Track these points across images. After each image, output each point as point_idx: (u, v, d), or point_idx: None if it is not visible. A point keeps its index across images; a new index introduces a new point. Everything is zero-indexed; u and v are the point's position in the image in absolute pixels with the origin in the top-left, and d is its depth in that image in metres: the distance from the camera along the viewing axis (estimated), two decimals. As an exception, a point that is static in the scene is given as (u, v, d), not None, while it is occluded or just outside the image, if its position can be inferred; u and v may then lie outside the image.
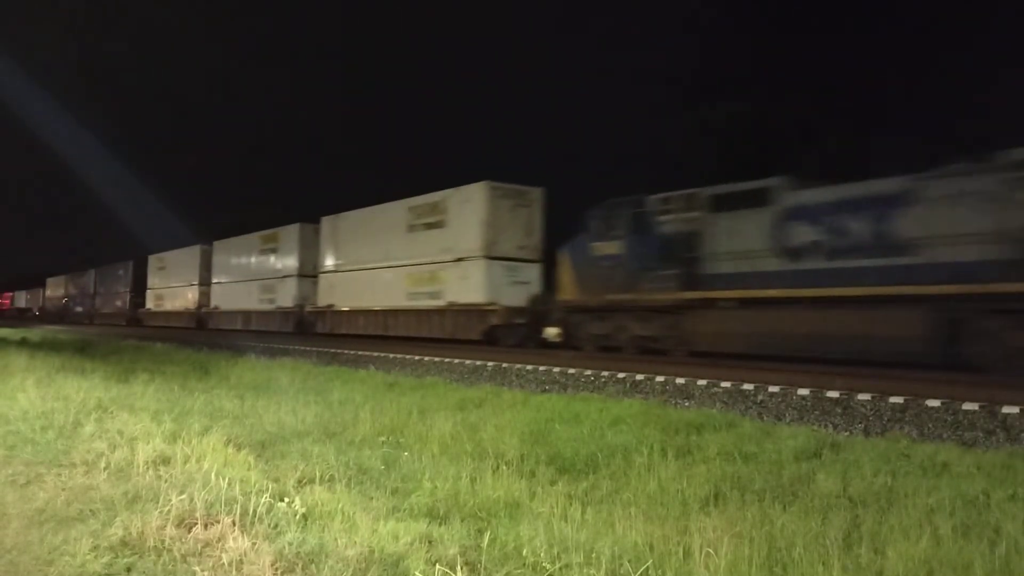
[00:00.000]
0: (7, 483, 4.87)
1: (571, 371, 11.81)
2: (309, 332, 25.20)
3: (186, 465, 5.09)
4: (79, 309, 55.19)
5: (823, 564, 3.49)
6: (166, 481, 4.62)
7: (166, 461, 5.23)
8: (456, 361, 14.12)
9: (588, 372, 11.55)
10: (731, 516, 4.32)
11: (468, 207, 18.69)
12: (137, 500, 4.27)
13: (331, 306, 24.29)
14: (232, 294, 32.09)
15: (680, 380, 10.18)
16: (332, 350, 18.14)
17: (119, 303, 46.67)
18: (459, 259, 18.71)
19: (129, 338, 27.85)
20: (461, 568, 3.32)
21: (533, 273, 18.56)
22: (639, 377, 10.71)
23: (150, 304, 42.22)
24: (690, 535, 3.87)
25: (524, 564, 3.42)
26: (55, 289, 63.40)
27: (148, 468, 5.03)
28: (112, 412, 7.38)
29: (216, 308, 33.26)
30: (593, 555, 3.43)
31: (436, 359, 14.69)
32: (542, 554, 3.46)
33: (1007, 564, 3.55)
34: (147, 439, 5.81)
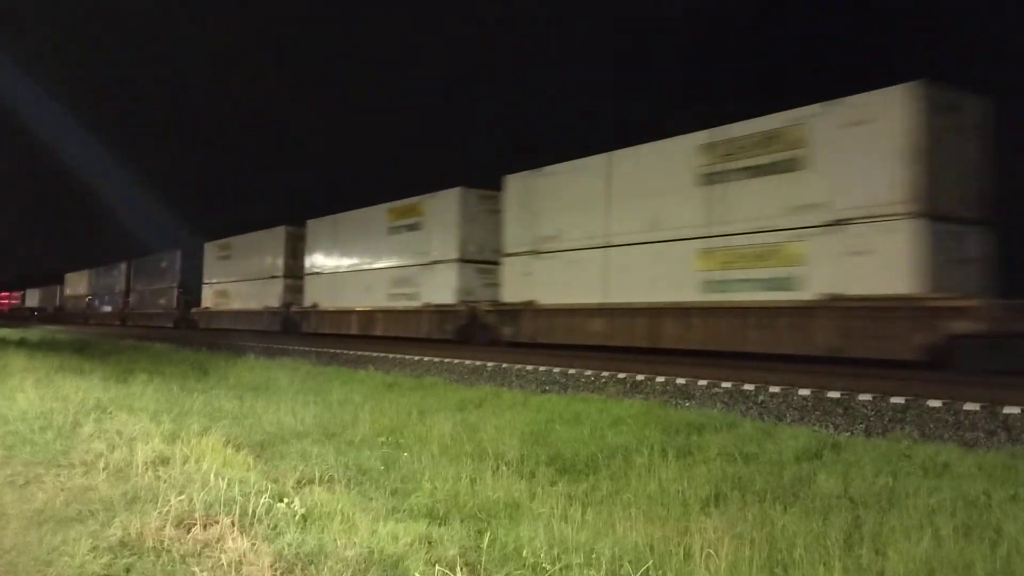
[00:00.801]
0: (6, 483, 4.86)
1: (571, 371, 11.81)
2: (491, 341, 17.16)
3: (185, 466, 5.08)
4: (107, 309, 47.08)
5: (824, 565, 3.48)
6: (165, 482, 4.61)
7: (165, 461, 5.22)
8: (456, 361, 14.12)
9: (588, 372, 11.54)
10: (732, 517, 4.30)
11: (866, 132, 10.89)
12: (136, 501, 4.27)
13: (531, 303, 16.19)
14: (342, 288, 23.60)
15: (681, 380, 10.18)
16: (331, 350, 18.13)
17: (163, 301, 38.03)
18: (838, 222, 10.99)
19: (128, 338, 27.84)
20: (461, 569, 3.31)
21: (979, 243, 10.97)
22: (639, 377, 10.71)
23: (208, 303, 33.44)
24: (691, 536, 3.85)
25: (524, 565, 3.41)
26: (76, 286, 54.89)
27: (147, 469, 5.02)
28: (111, 412, 7.38)
29: (315, 307, 24.91)
30: (593, 556, 3.42)
31: (436, 359, 14.69)
32: (542, 555, 3.45)
33: (1008, 565, 3.54)
34: (146, 439, 5.81)
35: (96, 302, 49.77)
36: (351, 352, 17.45)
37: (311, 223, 26.17)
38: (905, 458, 5.91)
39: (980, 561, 3.51)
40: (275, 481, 4.80)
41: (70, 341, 25.10)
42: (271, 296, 27.96)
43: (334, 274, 24.52)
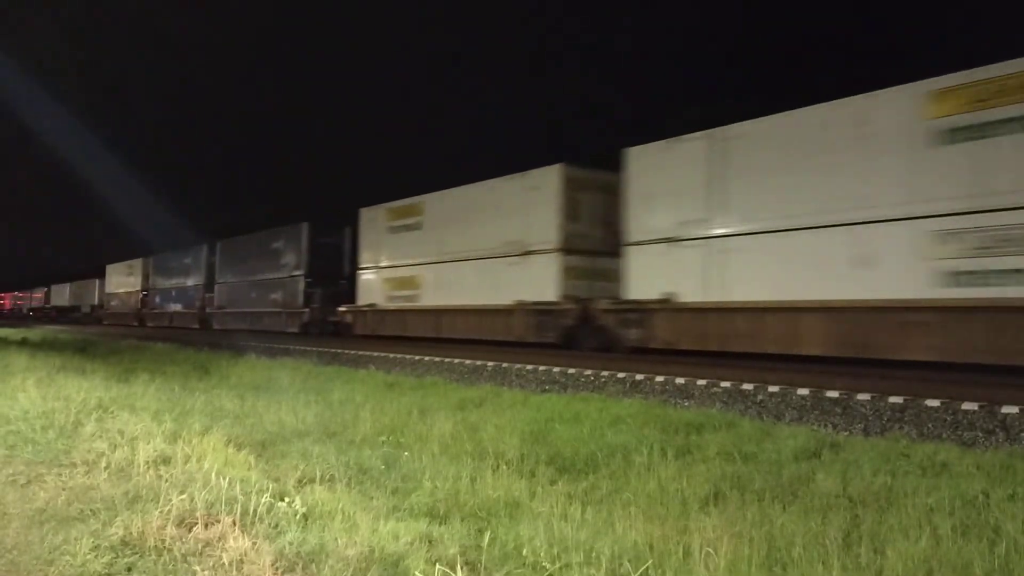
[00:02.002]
0: (8, 483, 4.88)
1: (571, 371, 11.82)
2: None
3: (186, 465, 5.10)
4: (175, 307, 36.65)
5: (823, 564, 3.49)
6: (166, 481, 4.63)
7: (166, 461, 5.23)
8: (456, 361, 14.13)
9: (588, 372, 11.55)
10: (731, 516, 4.32)
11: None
12: (138, 500, 4.28)
13: None
14: (763, 266, 12.15)
15: (680, 380, 10.19)
16: (332, 350, 18.14)
17: (277, 296, 26.98)
18: None
19: (131, 338, 27.84)
20: (461, 568, 3.32)
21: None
22: (639, 377, 10.72)
23: (373, 297, 21.78)
24: (690, 535, 3.87)
25: (524, 564, 3.42)
26: (122, 279, 44.47)
27: (149, 468, 5.03)
28: (113, 412, 7.39)
29: (667, 301, 13.35)
30: (593, 555, 3.44)
31: (436, 359, 14.70)
32: (542, 554, 3.46)
33: (1006, 564, 3.55)
34: (148, 439, 5.82)
35: (156, 299, 39.27)
36: (352, 352, 17.47)
37: (637, 151, 14.34)
38: (903, 457, 5.92)
39: (978, 560, 3.52)
40: (276, 480, 4.81)
41: (72, 341, 25.13)
42: (530, 285, 16.13)
43: (729, 238, 12.60)
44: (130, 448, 5.53)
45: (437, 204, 20.03)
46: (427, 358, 14.94)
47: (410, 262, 20.50)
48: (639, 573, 3.29)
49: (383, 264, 21.80)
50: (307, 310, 25.28)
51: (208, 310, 32.83)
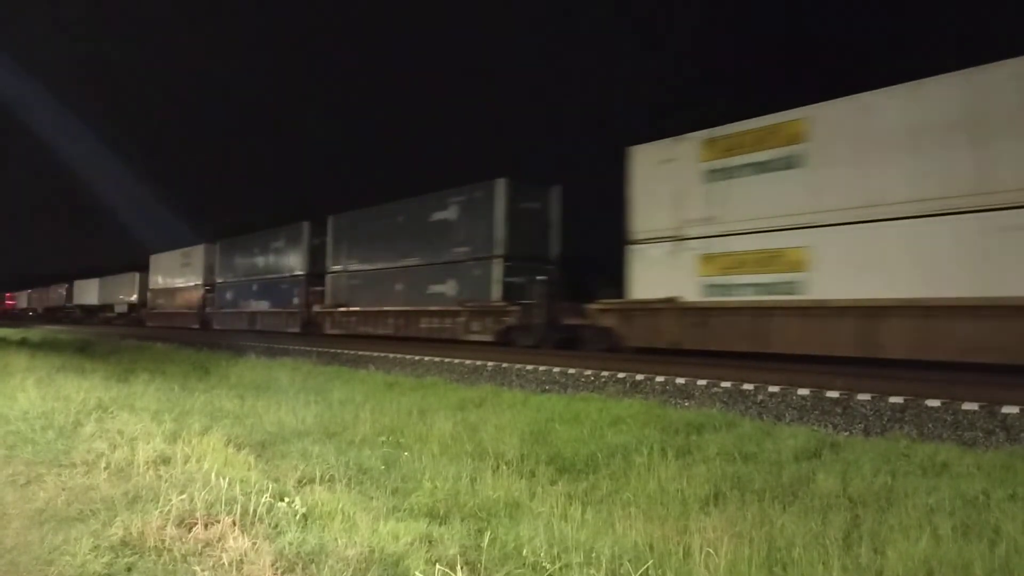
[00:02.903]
0: (7, 483, 4.87)
1: (571, 371, 11.81)
2: None
3: (186, 465, 5.10)
4: (262, 307, 27.40)
5: (823, 564, 3.49)
6: (166, 481, 4.62)
7: (166, 461, 5.23)
8: (456, 361, 14.13)
9: (588, 372, 11.55)
10: (731, 516, 4.32)
11: None
12: (137, 500, 4.28)
13: None
14: None
15: (680, 380, 10.19)
16: (332, 350, 18.13)
17: (444, 289, 18.48)
18: None
19: (128, 337, 27.82)
20: (461, 568, 3.32)
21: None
22: (639, 377, 10.72)
23: (666, 286, 12.75)
24: (690, 535, 3.87)
25: (524, 564, 3.42)
26: (175, 273, 35.79)
27: (148, 468, 5.03)
28: (112, 412, 7.39)
29: None
30: (593, 555, 3.43)
31: (436, 359, 14.70)
32: (542, 554, 3.46)
33: (1007, 564, 3.55)
34: (147, 439, 5.82)
35: (228, 296, 30.38)
36: (352, 352, 17.46)
37: None
38: (904, 457, 5.92)
39: (979, 560, 3.52)
40: (276, 480, 4.81)
41: (72, 341, 25.13)
42: None
43: None
44: (130, 448, 5.53)
45: (849, 118, 10.85)
46: (427, 358, 14.94)
47: (773, 225, 11.71)
48: (639, 573, 3.28)
49: (694, 233, 12.79)
50: (514, 309, 16.32)
51: (316, 309, 23.91)
